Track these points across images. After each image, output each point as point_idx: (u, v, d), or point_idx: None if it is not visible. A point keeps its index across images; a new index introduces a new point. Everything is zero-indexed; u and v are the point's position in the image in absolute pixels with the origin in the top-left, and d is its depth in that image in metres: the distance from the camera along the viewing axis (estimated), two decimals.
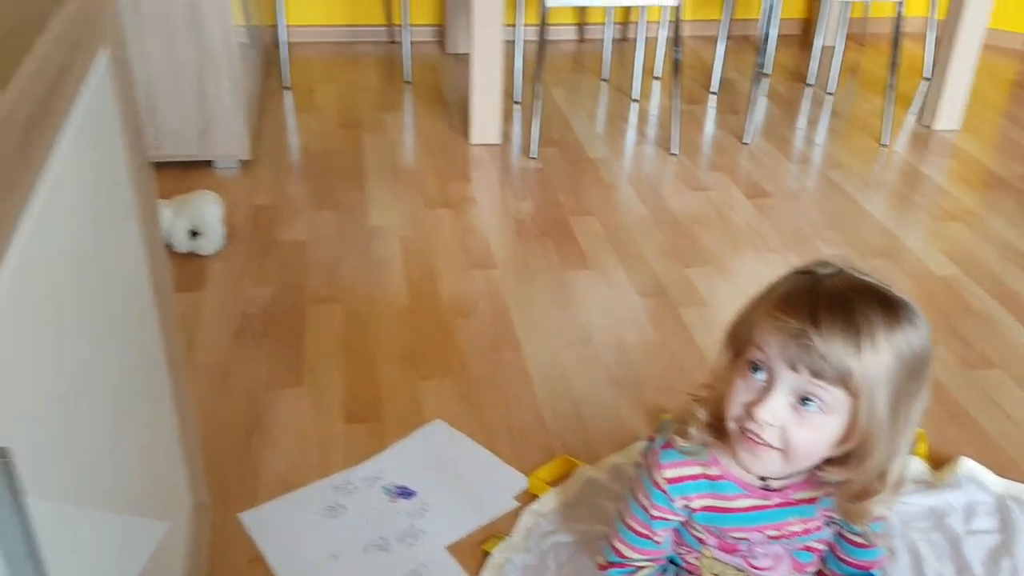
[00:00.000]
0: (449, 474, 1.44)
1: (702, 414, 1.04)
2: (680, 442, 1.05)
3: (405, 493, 1.40)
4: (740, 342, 0.97)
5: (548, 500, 1.38)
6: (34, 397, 0.63)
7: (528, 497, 1.40)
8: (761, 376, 0.94)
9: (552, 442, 1.52)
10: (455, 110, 2.85)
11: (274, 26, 3.04)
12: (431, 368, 1.68)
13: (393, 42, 3.40)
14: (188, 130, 2.28)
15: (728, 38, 3.09)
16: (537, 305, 1.89)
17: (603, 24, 3.28)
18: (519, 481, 1.43)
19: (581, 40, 3.53)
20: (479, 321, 1.83)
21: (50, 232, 0.68)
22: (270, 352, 1.71)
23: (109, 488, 0.83)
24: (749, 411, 0.95)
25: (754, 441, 0.96)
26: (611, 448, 1.50)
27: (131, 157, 1.01)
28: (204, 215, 1.97)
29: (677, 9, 2.52)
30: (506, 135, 2.69)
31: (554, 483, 1.42)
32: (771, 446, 0.96)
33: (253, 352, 1.71)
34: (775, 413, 0.93)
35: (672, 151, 2.62)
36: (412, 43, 3.16)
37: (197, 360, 1.67)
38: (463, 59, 3.25)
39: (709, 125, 2.86)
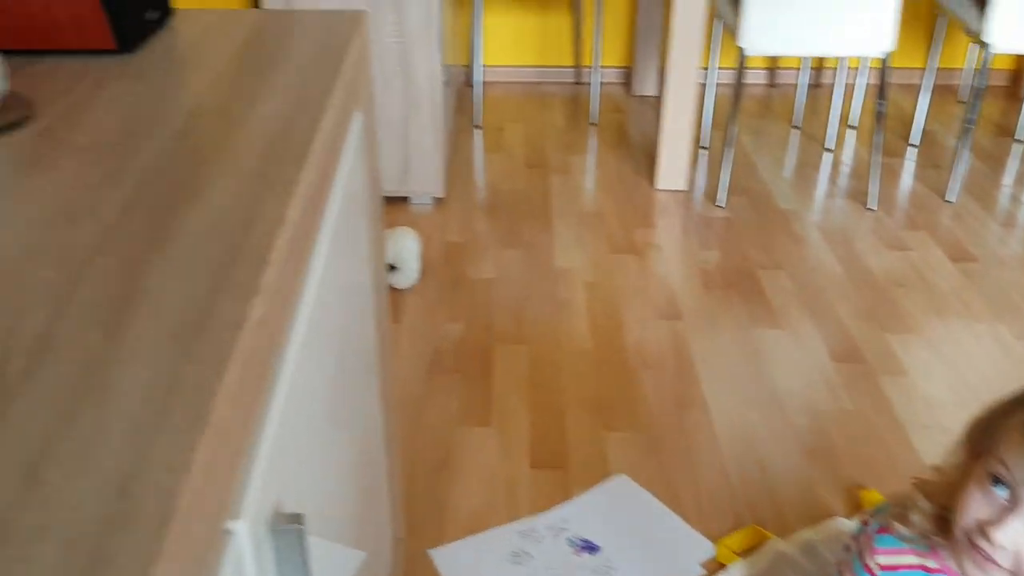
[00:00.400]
0: (634, 533, 1.43)
1: (925, 505, 0.98)
2: (899, 528, 1.00)
3: (589, 547, 1.40)
4: (981, 445, 0.92)
5: (736, 571, 1.35)
6: (307, 449, 0.67)
7: (715, 566, 1.37)
8: (1002, 493, 0.88)
9: (740, 508, 1.48)
10: (640, 153, 2.85)
11: (467, 66, 3.14)
12: (616, 419, 1.68)
13: (580, 83, 3.44)
14: (391, 168, 2.39)
15: (931, 88, 2.95)
16: (724, 361, 1.86)
17: (797, 69, 3.20)
18: (705, 547, 1.40)
19: (772, 84, 3.46)
20: (664, 374, 1.81)
21: (325, 286, 0.73)
22: (460, 388, 1.76)
23: (335, 518, 0.88)
24: (983, 529, 0.89)
25: (983, 557, 0.90)
26: (803, 521, 1.45)
27: (369, 199, 1.07)
28: (402, 250, 2.06)
29: (884, 60, 2.43)
30: (691, 181, 2.66)
31: (742, 553, 1.38)
32: (1001, 566, 0.90)
33: (444, 387, 1.76)
34: (1013, 539, 0.87)
35: (869, 206, 2.52)
36: (599, 84, 3.19)
37: (393, 393, 1.74)
38: (649, 102, 3.25)
39: (908, 179, 2.73)
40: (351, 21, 0.97)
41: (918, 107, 2.93)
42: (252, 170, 0.62)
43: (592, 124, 3.09)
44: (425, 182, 2.44)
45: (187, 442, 0.38)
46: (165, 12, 0.91)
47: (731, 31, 2.43)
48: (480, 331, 1.94)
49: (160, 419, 0.40)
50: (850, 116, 3.08)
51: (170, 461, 0.37)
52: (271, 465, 0.54)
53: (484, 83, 3.17)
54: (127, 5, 0.82)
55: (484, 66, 3.15)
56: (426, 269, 2.16)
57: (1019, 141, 2.99)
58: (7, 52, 0.83)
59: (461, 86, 3.26)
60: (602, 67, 3.30)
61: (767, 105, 3.30)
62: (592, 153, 2.88)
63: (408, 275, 2.08)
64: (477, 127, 3.04)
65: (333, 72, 0.81)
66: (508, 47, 3.39)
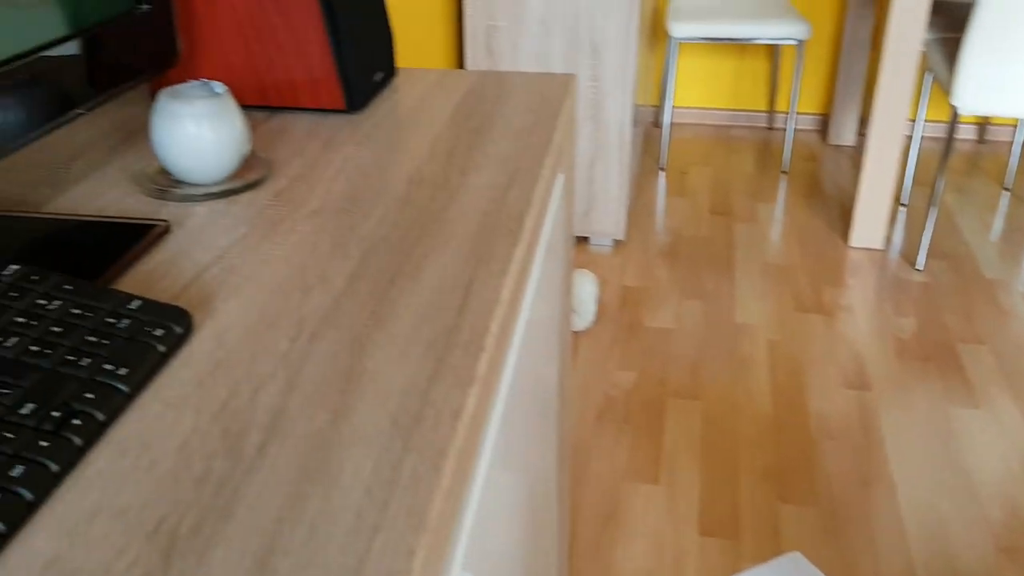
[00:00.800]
0: None
1: None
2: None
3: None
4: None
5: None
6: (495, 516, 0.67)
7: None
8: None
9: None
10: (833, 206, 2.74)
11: (657, 106, 3.12)
12: (793, 491, 1.60)
13: (773, 128, 3.35)
14: (574, 209, 2.41)
15: None
16: (915, 440, 1.74)
17: (1012, 126, 2.98)
18: None
19: (981, 140, 3.24)
20: (848, 447, 1.72)
21: (525, 349, 0.74)
22: (629, 441, 1.73)
23: (507, 572, 0.88)
24: None
25: None
26: None
27: (563, 253, 1.08)
28: (581, 293, 2.06)
29: None
30: (888, 240, 2.53)
31: None
32: None
33: (613, 438, 1.74)
34: None
35: None
36: (793, 130, 3.09)
37: (568, 440, 1.74)
38: (845, 151, 3.12)
39: None
40: (561, 85, 0.98)
41: None
42: (467, 245, 0.64)
43: (783, 172, 3.00)
44: (606, 223, 2.44)
45: (407, 544, 0.39)
46: (390, 73, 0.96)
47: (943, 87, 2.30)
48: (653, 382, 1.91)
49: (381, 514, 0.41)
50: None
51: (391, 565, 0.38)
52: (468, 549, 0.54)
53: (672, 124, 3.14)
54: (359, 68, 0.86)
55: (673, 107, 3.13)
56: (601, 312, 2.16)
57: None
58: (245, 107, 0.89)
59: (648, 126, 3.25)
60: (797, 113, 3.20)
61: (975, 163, 3.09)
62: (781, 203, 2.79)
63: (584, 317, 2.08)
64: (662, 169, 3.02)
65: (545, 141, 0.83)
66: (700, 89, 3.35)
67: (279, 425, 0.46)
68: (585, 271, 2.16)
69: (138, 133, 0.85)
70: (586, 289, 2.10)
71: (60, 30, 0.62)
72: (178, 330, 0.52)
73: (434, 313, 0.56)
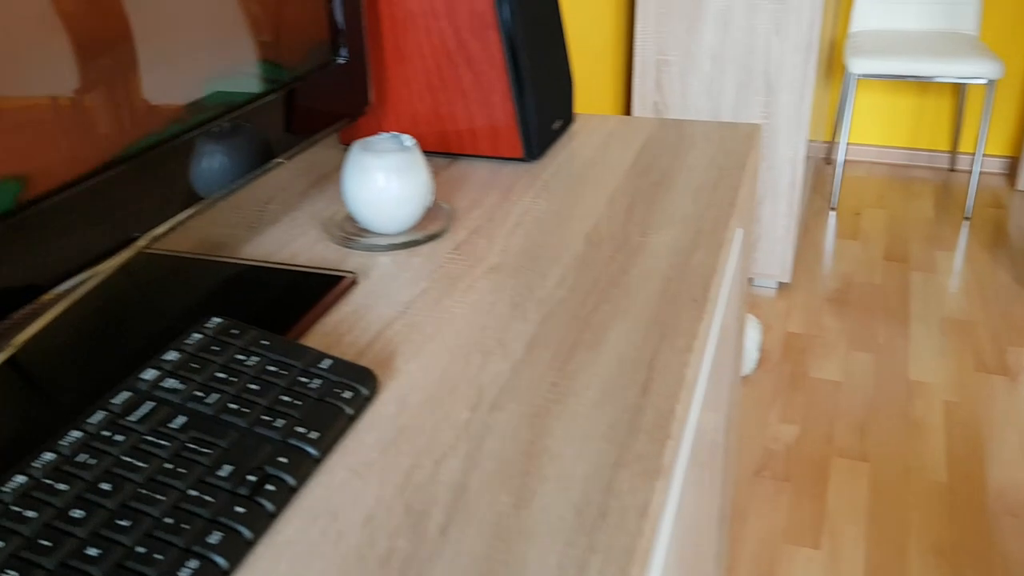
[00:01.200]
0: None
1: None
2: None
3: None
4: None
5: None
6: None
7: None
8: None
9: None
10: (1020, 258, 2.54)
11: (830, 142, 3.00)
12: (967, 570, 1.48)
13: (954, 170, 3.15)
14: None
15: None
16: None
17: None
18: None
19: None
20: None
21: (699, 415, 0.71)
22: (789, 500, 1.65)
23: None
24: None
25: None
26: None
27: (739, 296, 1.04)
28: (744, 339, 1.99)
29: None
30: None
31: None
32: None
33: (772, 495, 1.66)
34: None
35: None
36: (978, 174, 2.89)
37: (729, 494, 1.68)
38: None
39: None
40: (746, 136, 0.95)
41: None
42: (649, 314, 0.62)
43: (966, 218, 2.81)
44: (771, 265, 2.35)
45: None
46: (568, 120, 0.95)
47: None
48: (817, 438, 1.82)
49: None
50: None
51: None
52: None
53: (845, 162, 3.01)
54: (539, 117, 0.86)
55: (848, 144, 3.00)
56: (763, 359, 2.08)
57: None
58: (425, 153, 0.91)
59: (820, 163, 3.12)
60: (984, 155, 2.99)
61: None
62: (962, 251, 2.62)
63: (746, 363, 2.01)
64: (833, 209, 2.89)
65: (730, 200, 0.79)
66: (877, 126, 3.19)
67: (461, 505, 0.45)
68: (749, 316, 2.08)
69: (328, 177, 0.87)
70: (750, 336, 2.03)
71: (268, 85, 0.65)
72: (365, 392, 0.52)
73: (616, 391, 0.54)
